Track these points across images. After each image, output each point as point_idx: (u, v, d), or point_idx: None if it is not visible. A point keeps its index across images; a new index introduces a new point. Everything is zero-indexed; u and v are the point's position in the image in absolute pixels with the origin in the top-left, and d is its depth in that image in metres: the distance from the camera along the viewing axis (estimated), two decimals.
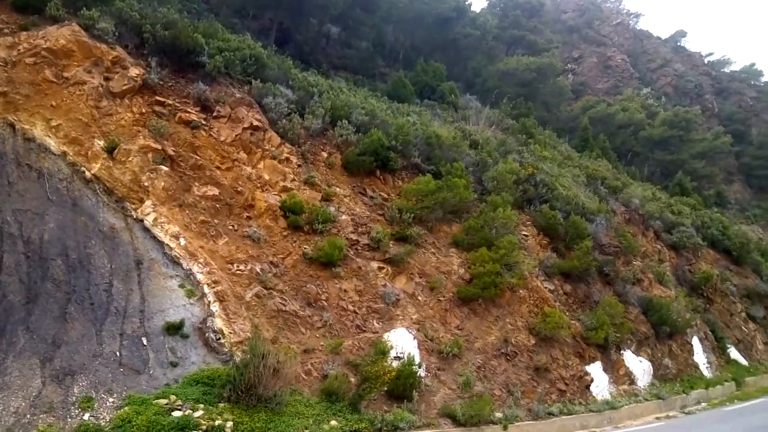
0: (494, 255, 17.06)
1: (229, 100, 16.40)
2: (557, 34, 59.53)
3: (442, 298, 16.20)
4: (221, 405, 10.53)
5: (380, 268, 15.82)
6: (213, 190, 14.33)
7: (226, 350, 11.69)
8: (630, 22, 77.36)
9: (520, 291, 17.65)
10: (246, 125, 16.10)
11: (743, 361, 25.54)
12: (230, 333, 11.94)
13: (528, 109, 36.25)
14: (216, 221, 13.92)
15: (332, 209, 15.94)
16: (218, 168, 14.95)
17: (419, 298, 15.86)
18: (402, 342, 14.05)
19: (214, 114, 15.93)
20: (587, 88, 58.62)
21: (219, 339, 11.79)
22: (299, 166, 16.84)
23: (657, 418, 17.18)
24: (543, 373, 16.03)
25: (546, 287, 18.94)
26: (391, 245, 16.31)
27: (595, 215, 22.89)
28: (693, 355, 22.60)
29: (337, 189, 17.08)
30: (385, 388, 12.64)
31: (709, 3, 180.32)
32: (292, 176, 16.27)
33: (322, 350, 12.98)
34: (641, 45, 72.79)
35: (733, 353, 25.56)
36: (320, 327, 13.45)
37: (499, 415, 13.64)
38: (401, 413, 12.12)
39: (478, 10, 49.48)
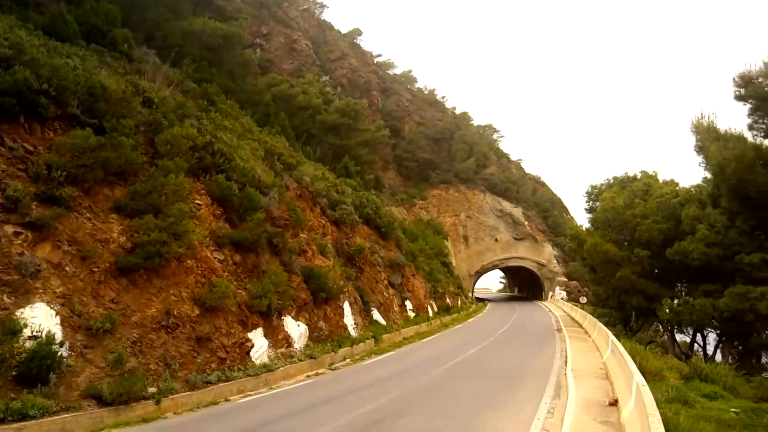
0: (162, 223, 16.12)
1: None
2: (247, 5, 59.40)
3: (96, 269, 14.52)
4: None
5: (17, 234, 13.26)
6: None
7: None
8: (315, 10, 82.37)
9: (188, 261, 17.12)
10: None
11: (382, 321, 30.25)
12: None
13: (212, 75, 35.29)
14: None
15: None
16: None
17: (67, 268, 13.89)
18: (41, 319, 12.11)
19: None
20: (274, 66, 60.23)
21: None
22: None
23: (308, 376, 18.94)
24: (205, 343, 15.94)
25: (216, 257, 18.87)
26: (33, 207, 13.79)
27: (270, 189, 23.77)
28: (344, 317, 25.67)
29: None
30: (14, 373, 10.81)
31: (380, 11, 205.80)
32: None
33: None
34: (324, 35, 78.37)
35: (376, 315, 30.07)
36: None
37: (152, 389, 13.02)
38: (32, 399, 10.52)
39: None
